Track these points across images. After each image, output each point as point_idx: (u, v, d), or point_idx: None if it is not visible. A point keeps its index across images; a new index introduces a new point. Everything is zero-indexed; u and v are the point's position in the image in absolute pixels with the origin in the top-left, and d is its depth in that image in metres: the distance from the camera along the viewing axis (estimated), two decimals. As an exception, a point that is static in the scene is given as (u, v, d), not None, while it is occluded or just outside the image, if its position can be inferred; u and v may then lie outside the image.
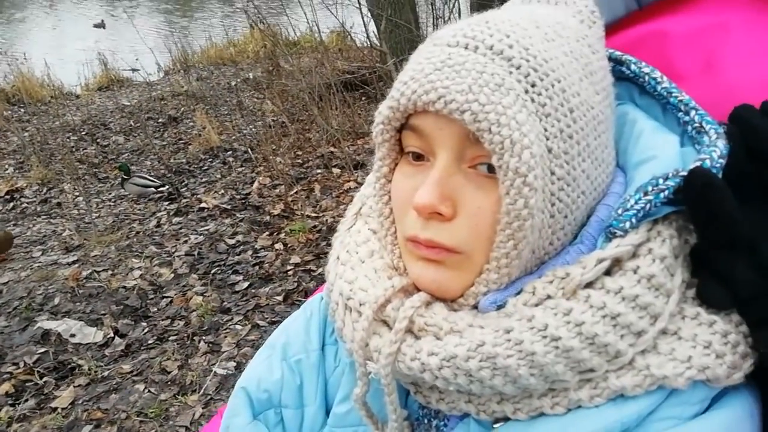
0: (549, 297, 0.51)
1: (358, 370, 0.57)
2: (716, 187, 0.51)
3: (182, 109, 5.67)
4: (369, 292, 0.57)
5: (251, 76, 6.03)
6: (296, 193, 3.66)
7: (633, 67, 0.61)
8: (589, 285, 0.51)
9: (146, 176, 4.07)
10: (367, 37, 5.36)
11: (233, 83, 6.08)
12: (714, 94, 0.61)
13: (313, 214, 3.30)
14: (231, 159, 4.53)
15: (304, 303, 0.78)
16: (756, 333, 0.51)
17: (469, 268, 0.53)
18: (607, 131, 0.57)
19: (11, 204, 4.29)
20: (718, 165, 0.51)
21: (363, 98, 4.99)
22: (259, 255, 2.99)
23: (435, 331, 0.53)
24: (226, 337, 2.38)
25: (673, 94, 0.58)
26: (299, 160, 4.19)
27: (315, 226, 3.15)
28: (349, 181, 3.68)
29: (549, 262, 0.54)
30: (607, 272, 0.51)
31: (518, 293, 0.53)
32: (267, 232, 3.21)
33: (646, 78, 0.60)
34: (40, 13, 12.18)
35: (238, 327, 2.44)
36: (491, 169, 0.51)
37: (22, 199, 4.37)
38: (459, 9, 4.74)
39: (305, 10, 4.97)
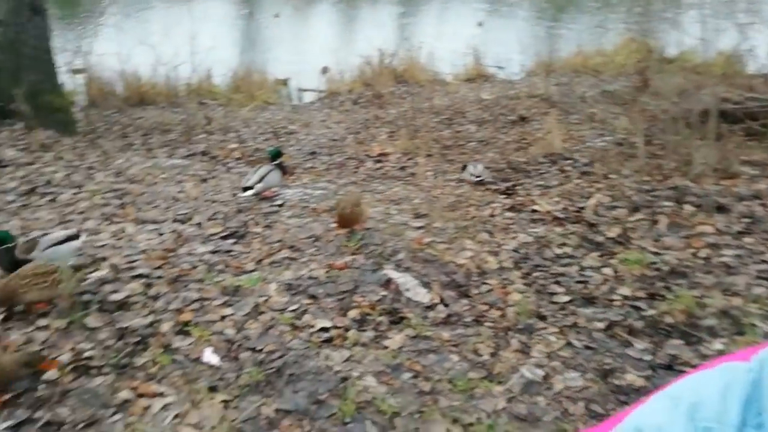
0: None
1: None
2: None
3: (533, 110, 5.84)
4: None
5: (611, 89, 5.81)
6: (637, 220, 3.42)
7: None
8: None
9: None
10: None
11: (589, 93, 5.97)
12: None
13: (653, 249, 3.04)
14: (569, 168, 4.49)
15: (718, 363, 0.72)
16: None
17: None
18: None
19: (379, 164, 5.13)
20: None
21: (741, 133, 4.31)
22: (584, 273, 2.91)
23: None
24: (538, 343, 2.41)
25: None
26: (646, 187, 3.89)
27: (653, 263, 2.89)
28: (704, 224, 3.25)
29: None
30: None
31: None
32: (597, 253, 3.10)
33: None
34: (437, 6, 14.05)
35: (552, 338, 2.44)
36: None
37: (387, 163, 5.19)
38: None
39: (694, 24, 4.50)
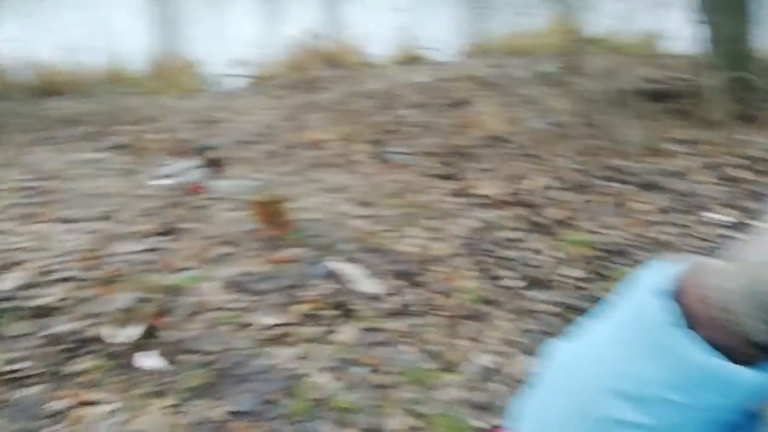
0: None
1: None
2: None
3: (471, 93, 5.85)
4: None
5: (545, 71, 5.91)
6: (579, 201, 3.48)
7: None
8: None
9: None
10: (685, 44, 4.78)
11: (525, 75, 6.06)
12: None
13: (596, 229, 3.10)
14: (512, 151, 4.52)
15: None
16: None
17: None
18: None
19: (316, 152, 4.98)
20: None
21: (670, 112, 4.48)
22: (533, 256, 2.93)
23: None
24: (492, 329, 2.39)
25: None
26: (583, 167, 3.97)
27: (597, 243, 2.95)
28: (636, 202, 3.35)
29: None
30: None
31: None
32: (541, 234, 3.12)
33: None
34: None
35: (503, 324, 2.43)
36: None
37: (325, 151, 5.03)
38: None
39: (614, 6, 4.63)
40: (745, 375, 0.48)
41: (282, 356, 2.25)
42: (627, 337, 0.52)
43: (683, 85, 4.41)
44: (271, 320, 2.43)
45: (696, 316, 0.49)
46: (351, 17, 9.89)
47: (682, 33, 5.13)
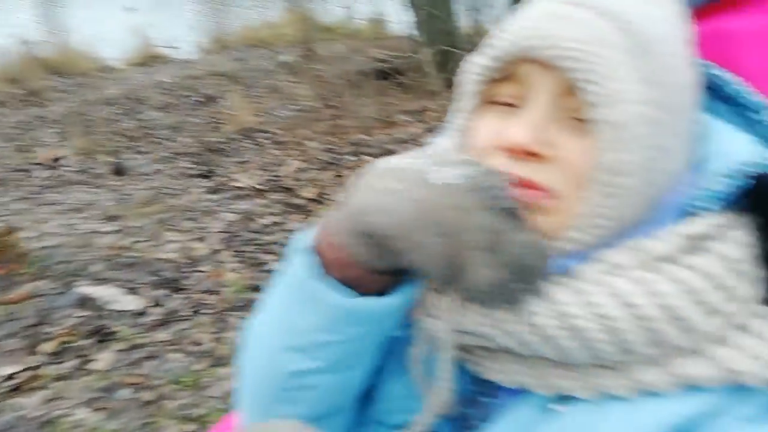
0: (623, 267, 0.50)
1: (417, 328, 0.56)
2: None
3: (218, 88, 5.76)
4: None
5: (286, 60, 6.09)
6: (328, 178, 3.72)
7: (705, 69, 0.61)
8: (668, 259, 0.50)
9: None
10: (403, 26, 5.39)
11: (269, 66, 6.16)
12: None
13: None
14: (265, 141, 4.60)
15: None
16: None
17: (553, 218, 0.51)
18: (691, 122, 0.56)
19: (52, 171, 4.42)
20: None
21: (397, 87, 5.02)
22: (292, 236, 3.06)
23: None
24: (258, 314, 2.46)
25: (745, 95, 0.59)
26: (331, 146, 4.25)
27: (347, 212, 3.21)
28: (380, 170, 3.73)
29: (624, 237, 0.52)
30: (687, 250, 0.50)
31: (588, 261, 0.51)
32: (299, 215, 3.28)
33: (718, 80, 0.60)
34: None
35: (270, 305, 2.52)
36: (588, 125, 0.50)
37: (62, 169, 4.50)
38: None
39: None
40: (377, 303, 0.53)
41: (30, 404, 2.02)
42: (287, 297, 0.57)
43: (405, 63, 4.98)
44: (8, 369, 2.15)
45: (329, 262, 0.53)
46: (75, 19, 8.86)
47: (401, 16, 5.74)
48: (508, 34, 0.54)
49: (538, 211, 0.51)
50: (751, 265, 0.52)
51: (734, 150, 0.54)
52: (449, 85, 4.78)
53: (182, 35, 6.67)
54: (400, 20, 5.49)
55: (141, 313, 2.52)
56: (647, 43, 0.52)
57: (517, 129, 0.50)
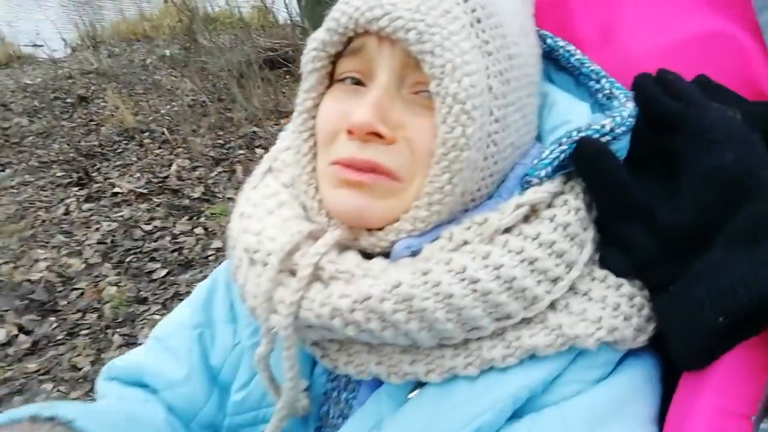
0: (466, 243, 0.50)
1: (261, 327, 0.53)
2: (605, 155, 0.51)
3: (93, 88, 5.31)
4: (276, 240, 0.53)
5: (168, 53, 5.73)
6: (217, 175, 3.53)
7: (549, 41, 0.61)
8: (507, 231, 0.50)
9: None
10: (288, 13, 5.23)
11: (148, 61, 5.75)
12: (613, 63, 0.62)
13: (236, 197, 3.19)
14: (148, 141, 4.29)
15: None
16: (654, 298, 0.52)
17: (399, 199, 0.50)
18: (534, 95, 0.56)
19: None
20: (627, 123, 0.52)
21: (286, 76, 4.86)
22: (178, 241, 2.86)
23: (347, 277, 0.50)
24: (143, 328, 2.27)
25: (585, 65, 0.59)
26: (220, 141, 4.04)
27: (237, 209, 3.05)
28: (273, 162, 3.58)
29: (467, 213, 0.52)
30: (524, 219, 0.51)
31: (434, 240, 0.51)
32: (186, 217, 3.08)
33: (561, 51, 0.61)
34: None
35: (157, 317, 2.33)
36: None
37: None
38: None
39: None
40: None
41: None
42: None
43: (294, 51, 4.82)
44: None
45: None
46: None
47: (287, 3, 5.55)
48: (346, 6, 0.51)
49: (383, 194, 0.50)
50: (583, 228, 0.52)
51: (573, 119, 0.54)
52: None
53: (46, 32, 6.07)
54: (286, 7, 5.32)
55: (6, 344, 2.25)
56: (489, 14, 0.51)
57: (361, 111, 0.48)
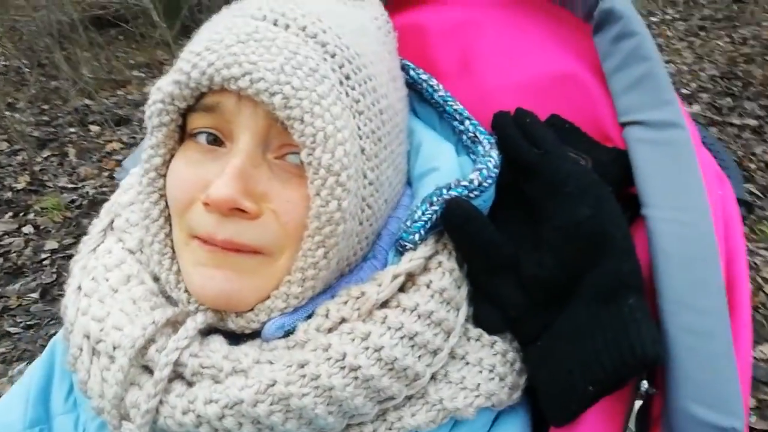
0: (344, 320, 0.47)
1: None
2: (473, 219, 0.51)
3: None
4: (125, 331, 0.46)
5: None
6: (45, 159, 3.07)
7: (412, 73, 0.59)
8: (384, 304, 0.48)
9: None
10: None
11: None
12: (471, 96, 0.61)
13: (70, 186, 2.82)
14: (-51, 119, 3.60)
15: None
16: (525, 350, 0.53)
17: (269, 275, 0.46)
18: (404, 143, 0.54)
19: None
20: (493, 174, 0.52)
21: (120, 38, 4.33)
22: (2, 243, 2.46)
23: (213, 373, 0.45)
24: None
25: (449, 103, 0.58)
26: (46, 117, 3.51)
27: (73, 201, 2.69)
28: (111, 142, 3.20)
29: (343, 279, 0.50)
30: (401, 288, 0.49)
31: (309, 316, 0.48)
32: (10, 213, 2.65)
33: (424, 85, 0.59)
34: None
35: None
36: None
37: None
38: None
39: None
40: None
41: None
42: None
43: (129, 9, 4.28)
44: None
45: None
46: None
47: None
48: (197, 58, 0.44)
49: (250, 270, 0.46)
50: (458, 287, 0.51)
51: (441, 165, 0.54)
52: (187, 32, 4.25)
53: None
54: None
55: None
56: (357, 68, 0.47)
57: (222, 183, 0.43)
